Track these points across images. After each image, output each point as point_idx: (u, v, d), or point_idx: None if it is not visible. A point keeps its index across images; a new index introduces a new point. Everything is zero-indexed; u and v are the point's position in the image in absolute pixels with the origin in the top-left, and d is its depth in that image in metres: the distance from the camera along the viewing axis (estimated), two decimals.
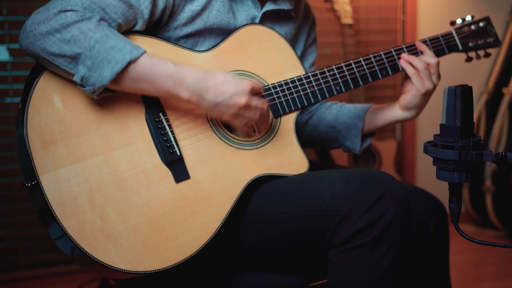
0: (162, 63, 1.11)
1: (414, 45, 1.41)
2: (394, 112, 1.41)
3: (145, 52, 1.10)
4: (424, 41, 1.42)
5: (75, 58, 1.06)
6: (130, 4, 1.14)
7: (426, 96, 1.36)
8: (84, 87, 1.08)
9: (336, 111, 1.52)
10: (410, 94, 1.36)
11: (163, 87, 1.12)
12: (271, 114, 1.29)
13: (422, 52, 1.39)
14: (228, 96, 1.14)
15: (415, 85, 1.34)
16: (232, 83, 1.15)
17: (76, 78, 1.07)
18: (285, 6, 1.37)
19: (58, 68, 1.08)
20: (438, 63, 1.35)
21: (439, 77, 1.36)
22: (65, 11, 1.06)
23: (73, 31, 1.05)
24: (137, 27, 1.18)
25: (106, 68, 1.06)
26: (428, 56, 1.36)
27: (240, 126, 1.20)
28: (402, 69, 1.37)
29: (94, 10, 1.10)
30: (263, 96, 1.25)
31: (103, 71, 1.06)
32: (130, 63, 1.07)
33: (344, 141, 1.49)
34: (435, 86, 1.36)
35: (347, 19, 2.57)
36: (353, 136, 1.47)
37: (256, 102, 1.18)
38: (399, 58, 1.39)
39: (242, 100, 1.15)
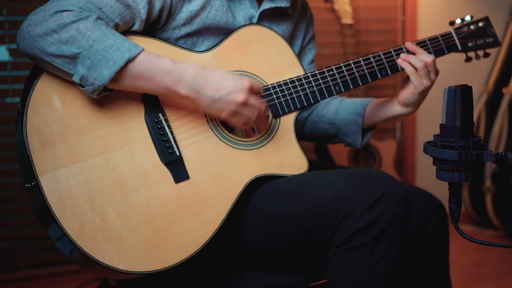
0: (160, 60, 1.11)
1: None
2: (394, 108, 1.43)
3: (143, 49, 1.10)
4: (424, 41, 1.42)
5: (73, 58, 1.06)
6: (127, 4, 1.14)
7: (424, 93, 1.37)
8: (84, 87, 1.08)
9: (335, 107, 1.53)
10: (408, 92, 1.37)
11: (161, 84, 1.11)
12: (270, 114, 1.29)
13: (414, 54, 1.39)
14: (227, 93, 1.14)
15: (414, 83, 1.35)
16: (231, 80, 1.15)
17: (76, 78, 1.07)
18: (282, 4, 1.37)
19: (57, 69, 1.08)
20: (434, 61, 1.36)
21: (436, 73, 1.38)
22: (62, 11, 1.06)
23: (70, 31, 1.05)
24: (135, 27, 1.18)
25: (105, 67, 1.06)
26: (424, 55, 1.36)
27: (238, 124, 1.20)
28: (401, 69, 1.38)
29: (90, 9, 1.09)
30: (262, 97, 1.25)
31: (102, 70, 1.06)
32: (129, 61, 1.07)
33: (345, 137, 1.51)
34: (432, 83, 1.37)
35: (347, 19, 2.57)
36: (353, 133, 1.48)
37: (255, 101, 1.17)
38: (398, 58, 1.39)
39: (241, 97, 1.14)
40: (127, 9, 1.14)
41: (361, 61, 1.37)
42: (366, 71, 1.36)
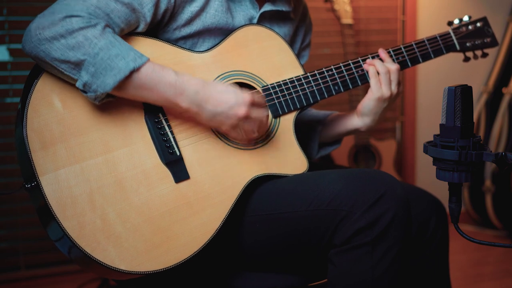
0: (164, 72, 1.11)
1: (412, 45, 1.41)
2: (351, 120, 1.40)
3: (148, 60, 1.10)
4: (422, 41, 1.42)
5: (78, 65, 1.06)
6: (133, 8, 1.14)
7: (381, 102, 1.33)
8: (86, 93, 1.08)
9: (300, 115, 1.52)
10: (365, 98, 1.35)
11: (163, 96, 1.12)
12: (270, 114, 1.29)
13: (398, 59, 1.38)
14: (228, 107, 1.14)
15: (372, 87, 1.33)
16: (232, 93, 1.14)
17: (79, 84, 1.07)
18: (284, 7, 1.36)
19: (61, 73, 1.08)
20: (398, 70, 1.34)
21: (398, 85, 1.34)
22: (71, 16, 1.06)
23: (78, 37, 1.05)
24: (139, 30, 1.18)
25: (109, 75, 1.06)
26: (389, 63, 1.34)
27: (238, 137, 1.20)
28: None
29: (99, 15, 1.09)
30: (265, 103, 1.24)
31: (106, 79, 1.06)
32: (133, 71, 1.07)
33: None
34: (391, 95, 1.33)
35: (347, 19, 2.57)
36: (310, 140, 1.46)
37: (256, 113, 1.17)
38: (397, 59, 1.39)
39: (242, 111, 1.14)
40: (133, 13, 1.14)
41: (360, 61, 1.37)
42: (365, 71, 1.36)
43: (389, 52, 1.38)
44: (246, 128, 1.18)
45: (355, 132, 1.42)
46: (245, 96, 1.15)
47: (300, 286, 1.28)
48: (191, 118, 1.18)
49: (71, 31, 1.05)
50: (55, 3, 1.10)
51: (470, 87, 0.93)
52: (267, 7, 1.34)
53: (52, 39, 1.05)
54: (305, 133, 1.47)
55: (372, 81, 1.33)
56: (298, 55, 1.51)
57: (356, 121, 1.39)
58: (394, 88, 1.34)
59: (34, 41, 1.06)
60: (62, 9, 1.07)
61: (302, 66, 1.36)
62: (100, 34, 1.07)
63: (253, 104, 1.16)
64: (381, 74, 1.33)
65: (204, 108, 1.13)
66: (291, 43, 1.47)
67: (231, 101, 1.14)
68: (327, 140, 1.48)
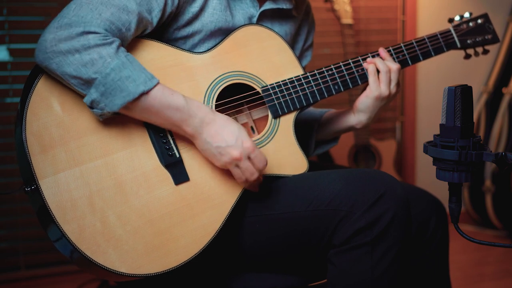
0: (173, 97, 1.11)
1: (412, 43, 1.41)
2: (347, 117, 1.40)
3: (158, 83, 1.10)
4: (423, 39, 1.42)
5: (89, 82, 1.06)
6: (142, 17, 1.14)
7: (378, 101, 1.33)
8: (93, 108, 1.08)
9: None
10: (363, 95, 1.34)
11: (169, 120, 1.12)
12: (270, 114, 1.29)
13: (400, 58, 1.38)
14: (225, 145, 1.12)
15: (370, 85, 1.33)
16: (234, 135, 1.13)
17: (86, 100, 1.07)
18: (285, 5, 1.36)
19: (69, 85, 1.08)
20: (398, 69, 1.33)
21: (398, 85, 1.35)
22: (89, 33, 1.06)
23: (92, 54, 1.05)
24: (144, 34, 1.18)
25: (119, 96, 1.06)
26: (390, 62, 1.34)
27: (237, 176, 1.16)
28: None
29: (113, 32, 1.09)
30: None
31: (115, 99, 1.06)
32: (142, 94, 1.08)
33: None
34: (390, 95, 1.33)
35: (347, 19, 2.57)
36: (306, 138, 1.46)
37: (247, 166, 1.14)
38: (398, 58, 1.39)
39: (235, 153, 1.12)
40: (141, 22, 1.14)
41: (360, 60, 1.36)
42: (365, 70, 1.36)
43: (389, 51, 1.38)
44: (235, 172, 1.15)
45: (350, 129, 1.42)
46: (246, 142, 1.13)
47: (300, 286, 1.28)
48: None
49: (87, 47, 1.05)
50: (70, 13, 1.08)
51: (470, 87, 0.93)
52: (268, 6, 1.34)
53: (67, 52, 1.05)
54: (301, 131, 1.47)
55: (371, 79, 1.33)
56: (301, 56, 1.51)
57: (351, 118, 1.39)
58: (393, 87, 1.34)
59: (49, 52, 1.05)
60: (79, 22, 1.06)
61: (302, 66, 1.36)
62: (114, 53, 1.06)
63: (251, 156, 1.13)
64: (382, 72, 1.32)
65: (203, 138, 1.13)
66: (293, 42, 1.47)
67: (230, 141, 1.12)
68: (324, 138, 1.48)
